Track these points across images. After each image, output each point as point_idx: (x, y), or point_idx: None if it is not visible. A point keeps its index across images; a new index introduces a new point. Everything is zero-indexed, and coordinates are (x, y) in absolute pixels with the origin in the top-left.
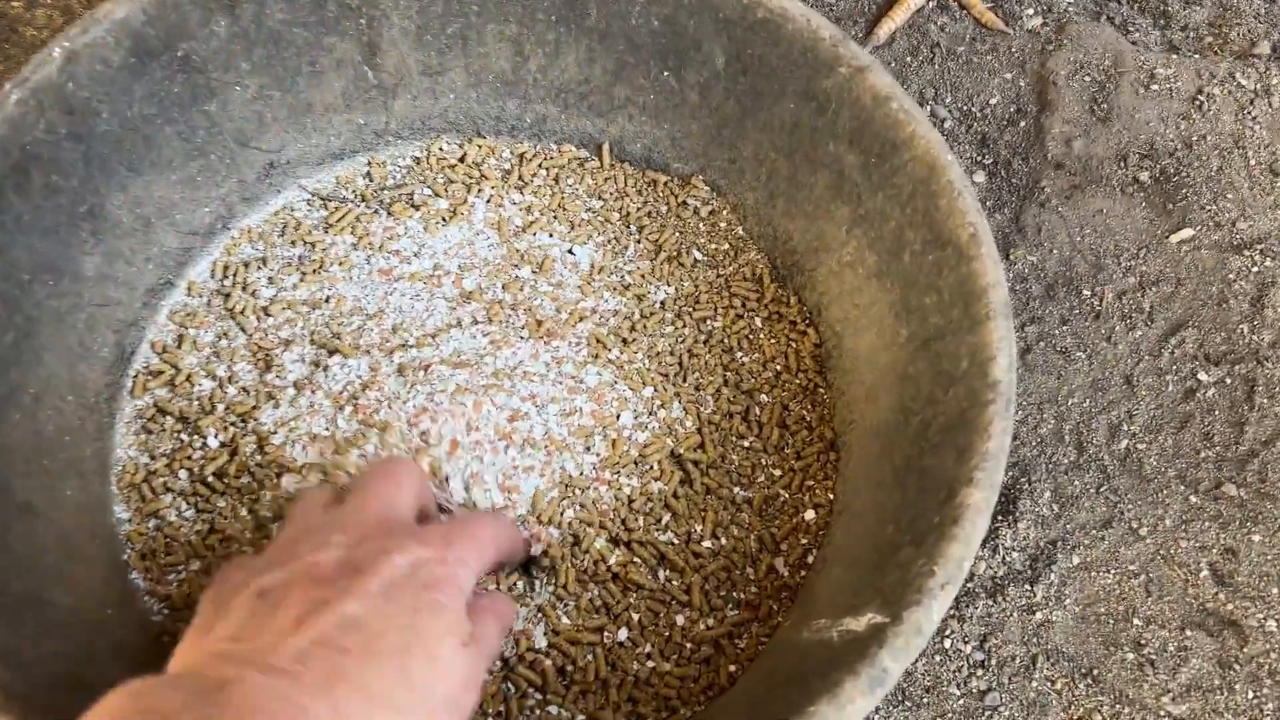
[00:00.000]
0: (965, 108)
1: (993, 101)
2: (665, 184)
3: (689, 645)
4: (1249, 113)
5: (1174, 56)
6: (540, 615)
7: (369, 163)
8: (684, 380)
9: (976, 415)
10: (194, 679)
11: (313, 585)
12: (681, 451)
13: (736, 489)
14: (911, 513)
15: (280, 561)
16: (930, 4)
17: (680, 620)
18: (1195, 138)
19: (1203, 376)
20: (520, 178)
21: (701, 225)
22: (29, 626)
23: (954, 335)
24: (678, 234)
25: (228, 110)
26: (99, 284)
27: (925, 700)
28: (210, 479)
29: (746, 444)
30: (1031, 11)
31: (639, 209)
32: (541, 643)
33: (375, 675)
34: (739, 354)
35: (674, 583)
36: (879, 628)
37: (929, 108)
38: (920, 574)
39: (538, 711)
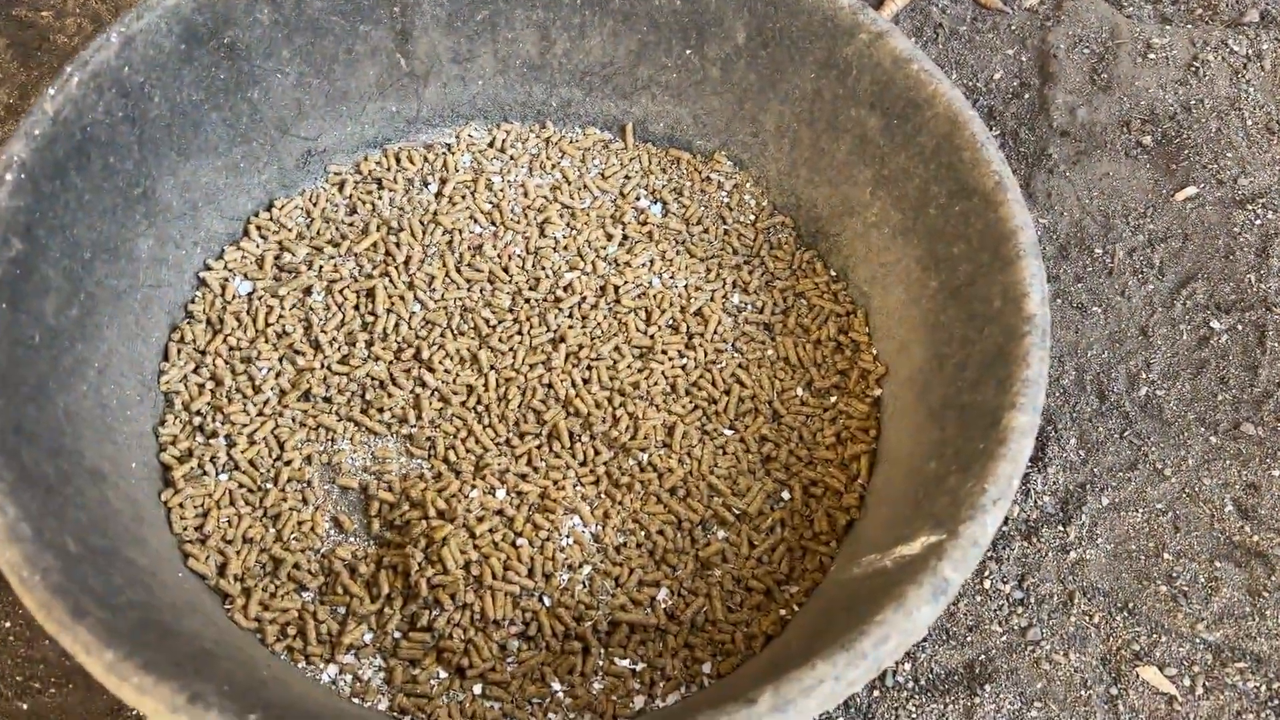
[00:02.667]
0: (971, 83)
1: (997, 76)
2: (688, 161)
3: (740, 594)
4: (1243, 76)
5: (1167, 27)
6: (593, 572)
7: (398, 150)
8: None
9: (1014, 347)
10: None
11: None
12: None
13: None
14: (954, 446)
15: None
16: None
17: (731, 570)
18: (1193, 101)
19: (1215, 324)
20: (547, 158)
21: (726, 199)
22: (116, 577)
23: (985, 278)
24: (702, 207)
25: (269, 97)
26: (152, 266)
27: (969, 639)
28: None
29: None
30: None
31: (663, 186)
32: (601, 598)
33: None
34: (778, 329)
35: (722, 534)
36: (935, 546)
37: None
38: (972, 493)
39: (604, 664)
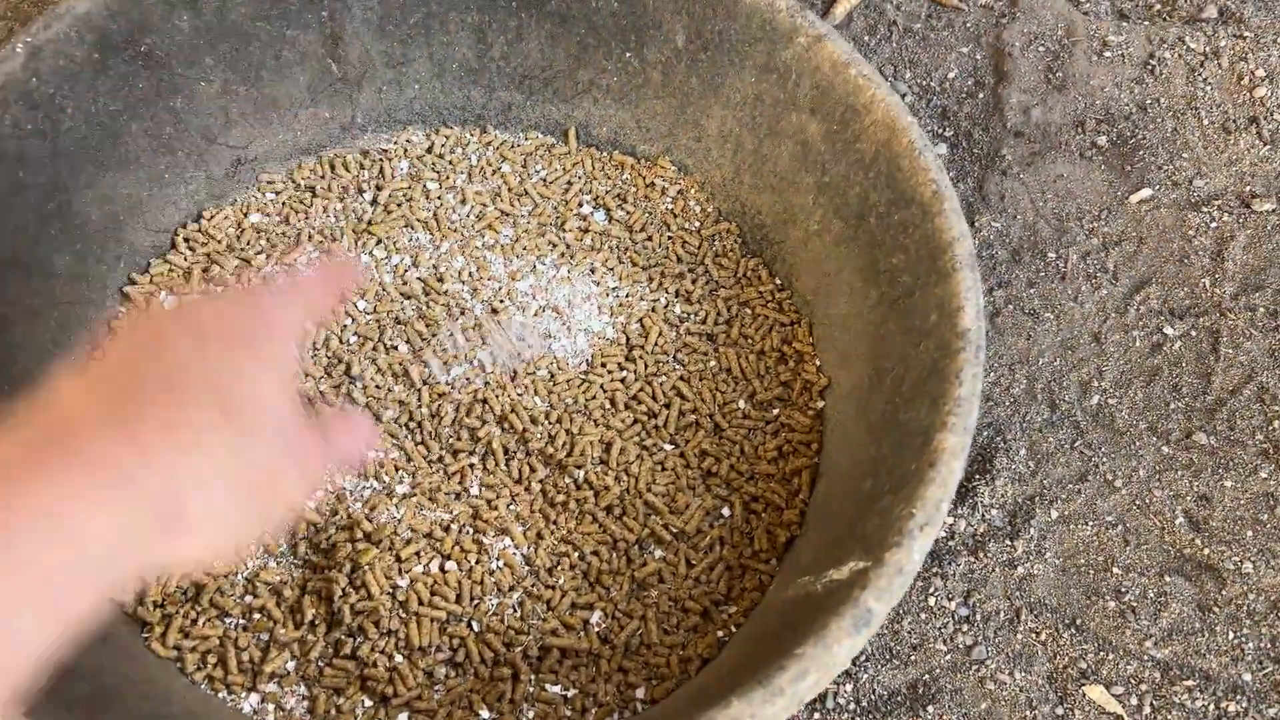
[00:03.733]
0: (924, 83)
1: (951, 75)
2: (632, 166)
3: (676, 615)
4: (1199, 74)
5: (1124, 24)
6: (525, 596)
7: (333, 157)
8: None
9: (947, 364)
10: None
11: None
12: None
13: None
14: (889, 464)
15: None
16: None
17: (667, 590)
18: (1149, 101)
19: (1168, 330)
20: (487, 163)
21: (670, 205)
22: None
23: (922, 291)
24: (646, 214)
25: (194, 106)
26: (71, 282)
27: (913, 657)
28: None
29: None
30: None
31: (607, 191)
32: (533, 623)
33: None
34: (726, 339)
35: (659, 554)
36: (861, 572)
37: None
38: (899, 518)
39: (534, 690)
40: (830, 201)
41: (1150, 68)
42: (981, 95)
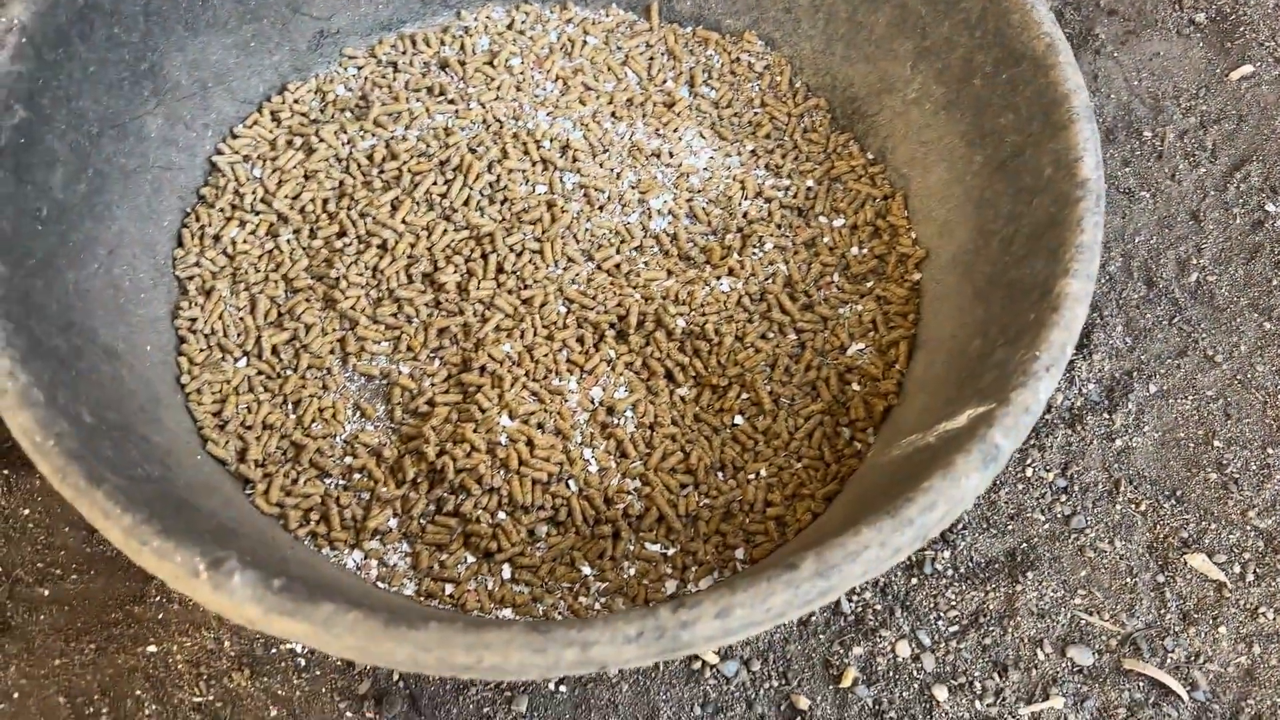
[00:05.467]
0: None
1: None
2: (717, 42)
3: (773, 481)
4: None
5: None
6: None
7: (414, 33)
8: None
9: (1067, 214)
10: None
11: None
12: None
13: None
14: (1000, 323)
15: None
16: None
17: (766, 456)
18: None
19: (1270, 208)
20: (569, 40)
21: (757, 81)
22: (133, 451)
23: (1034, 148)
24: (732, 90)
25: None
26: (162, 146)
27: (1010, 526)
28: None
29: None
30: None
31: (692, 68)
32: (633, 484)
33: None
34: (819, 213)
35: (758, 423)
36: (984, 415)
37: None
38: (1023, 361)
39: (634, 549)
40: (931, 67)
41: None
42: None
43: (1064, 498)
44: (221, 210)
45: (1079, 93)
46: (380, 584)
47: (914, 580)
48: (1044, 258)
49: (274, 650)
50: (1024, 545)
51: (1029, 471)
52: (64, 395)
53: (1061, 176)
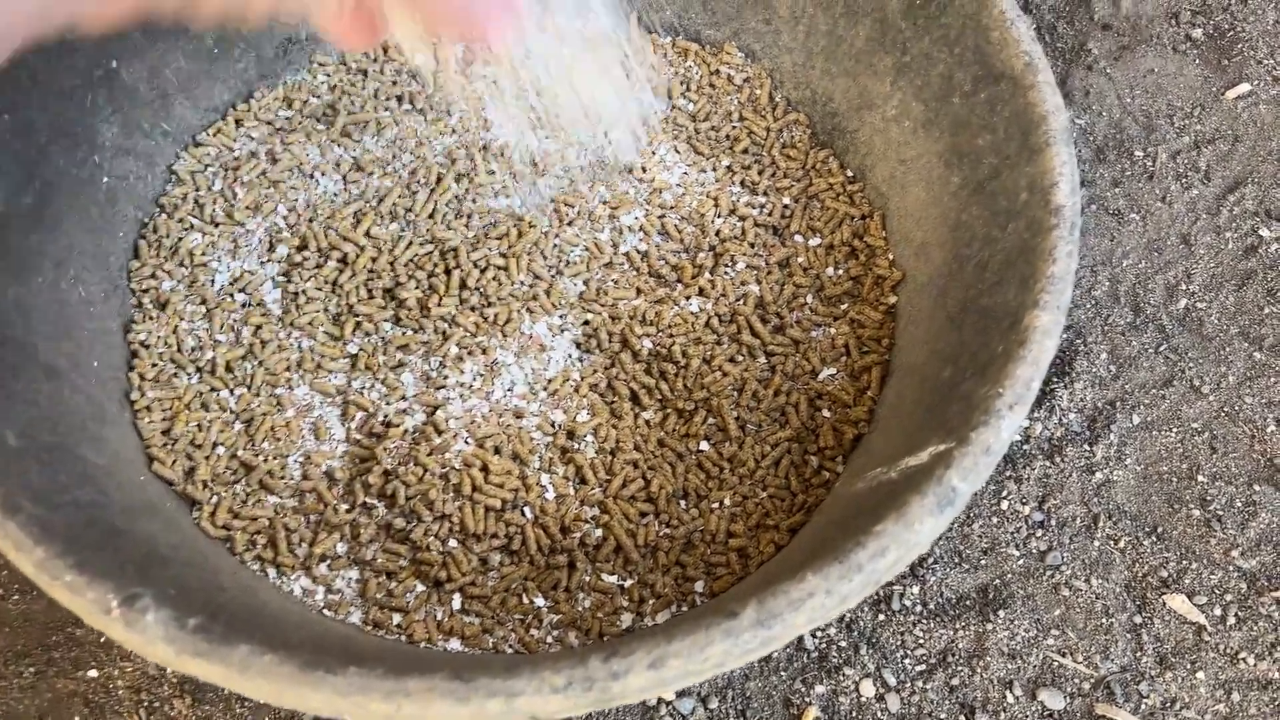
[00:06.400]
0: None
1: None
2: (696, 53)
3: (737, 510)
4: None
5: None
6: (582, 484)
7: (384, 40)
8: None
9: (1039, 242)
10: None
11: None
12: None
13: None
14: (971, 350)
15: None
16: None
17: (729, 484)
18: None
19: (1264, 233)
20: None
21: (736, 94)
22: (62, 475)
23: (1010, 171)
24: (711, 103)
25: None
26: (118, 156)
27: (983, 562)
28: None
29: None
30: None
31: (671, 80)
32: (590, 512)
33: None
34: (794, 232)
35: (723, 450)
36: (943, 454)
37: None
38: (987, 397)
39: (590, 580)
40: (911, 83)
41: None
42: None
43: (1040, 532)
44: (181, 220)
45: (1058, 114)
46: (327, 611)
47: (881, 616)
48: (1016, 286)
49: None
50: (997, 582)
51: (1004, 504)
52: None
53: (1036, 202)
